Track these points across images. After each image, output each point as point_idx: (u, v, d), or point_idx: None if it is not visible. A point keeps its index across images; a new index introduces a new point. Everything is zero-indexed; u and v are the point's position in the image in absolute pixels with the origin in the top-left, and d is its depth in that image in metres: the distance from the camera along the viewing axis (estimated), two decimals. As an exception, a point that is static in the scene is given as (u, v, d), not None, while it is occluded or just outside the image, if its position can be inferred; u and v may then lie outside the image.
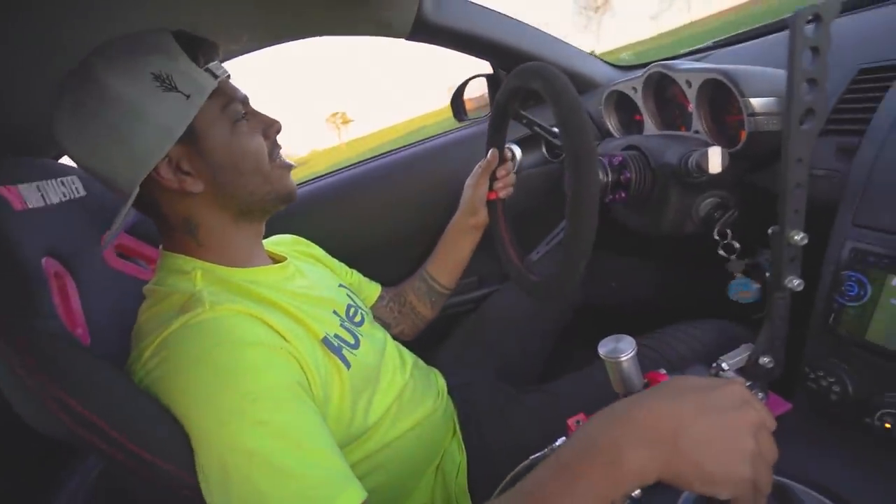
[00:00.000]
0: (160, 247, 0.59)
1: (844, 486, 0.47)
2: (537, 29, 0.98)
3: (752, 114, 0.58)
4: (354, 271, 0.83)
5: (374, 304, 0.82)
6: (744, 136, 0.61)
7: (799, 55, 0.41)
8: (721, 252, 0.67)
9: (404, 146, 1.15)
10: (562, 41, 1.02)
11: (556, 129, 1.00)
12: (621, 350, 0.47)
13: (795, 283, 0.50)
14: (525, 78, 0.65)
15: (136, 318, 0.52)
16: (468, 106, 1.20)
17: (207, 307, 0.47)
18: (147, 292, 0.54)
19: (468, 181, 0.81)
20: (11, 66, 0.52)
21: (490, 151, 0.80)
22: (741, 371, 0.55)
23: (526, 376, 0.87)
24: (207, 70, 0.52)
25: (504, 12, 0.95)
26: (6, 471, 0.63)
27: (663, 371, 0.52)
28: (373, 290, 0.84)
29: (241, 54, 0.84)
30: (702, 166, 0.59)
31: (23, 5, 0.44)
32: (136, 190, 0.50)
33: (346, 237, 0.99)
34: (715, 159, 0.57)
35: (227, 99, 0.53)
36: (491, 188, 0.80)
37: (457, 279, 0.85)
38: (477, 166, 0.81)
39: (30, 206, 0.54)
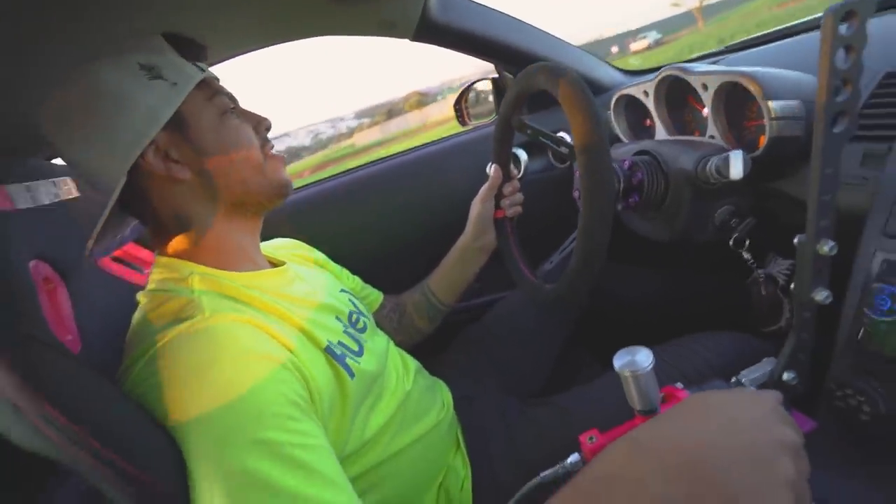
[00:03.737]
0: (155, 252, 0.56)
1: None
2: (545, 31, 0.96)
3: (775, 118, 0.55)
4: (356, 277, 0.81)
5: (375, 311, 0.80)
6: (763, 140, 0.59)
7: (832, 53, 0.39)
8: (747, 257, 0.65)
9: (407, 150, 1.13)
10: (570, 44, 1.00)
11: (561, 135, 0.99)
12: (639, 363, 0.44)
13: (823, 295, 0.47)
14: (534, 78, 0.62)
15: (130, 325, 0.50)
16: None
17: (207, 314, 0.45)
18: (141, 298, 0.52)
19: (475, 199, 0.79)
20: (2, 67, 0.50)
21: (493, 168, 0.77)
22: (762, 387, 0.52)
23: (531, 387, 0.84)
24: (195, 65, 0.52)
25: (511, 14, 0.93)
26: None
27: (680, 385, 0.49)
28: (374, 297, 0.81)
29: (243, 54, 0.82)
30: (722, 172, 0.57)
31: (17, 11, 0.42)
32: (124, 179, 0.48)
33: (347, 242, 0.97)
34: (737, 164, 0.55)
35: (214, 91, 0.54)
36: (498, 206, 0.78)
37: (457, 297, 0.83)
38: (484, 186, 0.78)
39: (18, 207, 0.52)
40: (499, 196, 0.78)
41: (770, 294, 0.72)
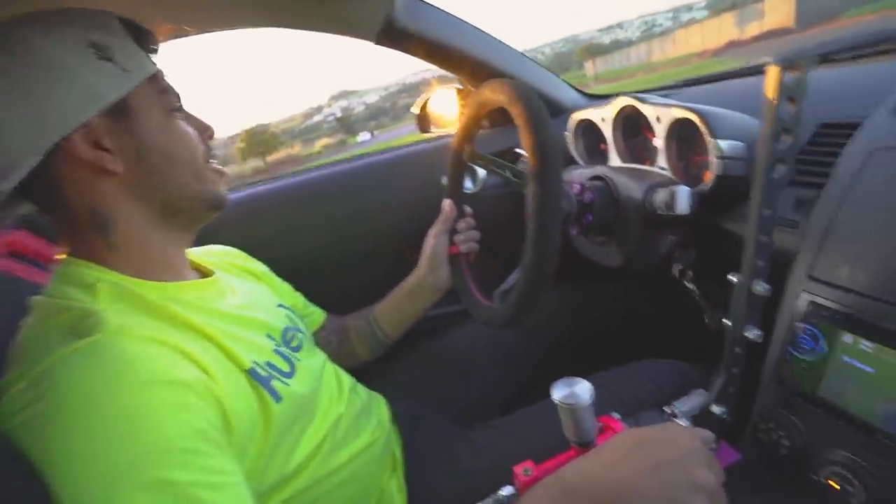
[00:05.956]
0: (62, 250, 0.50)
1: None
2: (511, 47, 0.96)
3: (721, 157, 0.57)
4: (299, 294, 0.77)
5: (315, 331, 0.76)
6: (708, 176, 0.61)
7: (777, 102, 0.40)
8: (691, 287, 0.67)
9: (362, 154, 1.09)
10: (534, 62, 1.00)
11: (517, 155, 0.99)
12: (577, 396, 0.43)
13: (755, 333, 0.49)
14: (491, 94, 0.62)
15: (14, 339, 0.42)
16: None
17: (109, 331, 0.39)
18: (34, 304, 0.45)
19: (428, 233, 0.77)
20: None
21: (447, 203, 0.76)
22: (694, 418, 0.53)
23: (476, 410, 0.82)
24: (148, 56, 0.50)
25: (480, 27, 0.92)
26: None
27: (617, 416, 0.50)
28: (317, 316, 0.77)
29: (198, 34, 0.77)
30: (668, 205, 0.58)
31: None
32: (39, 157, 0.43)
33: (289, 251, 0.91)
34: (682, 200, 0.57)
35: (164, 87, 0.51)
36: (452, 242, 0.76)
37: (403, 331, 0.80)
38: (437, 220, 0.77)
39: None
40: (452, 232, 0.76)
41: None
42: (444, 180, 0.79)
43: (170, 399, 0.37)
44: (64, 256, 0.48)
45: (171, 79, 0.52)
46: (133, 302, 0.45)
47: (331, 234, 0.98)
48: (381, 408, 0.68)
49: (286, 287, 0.75)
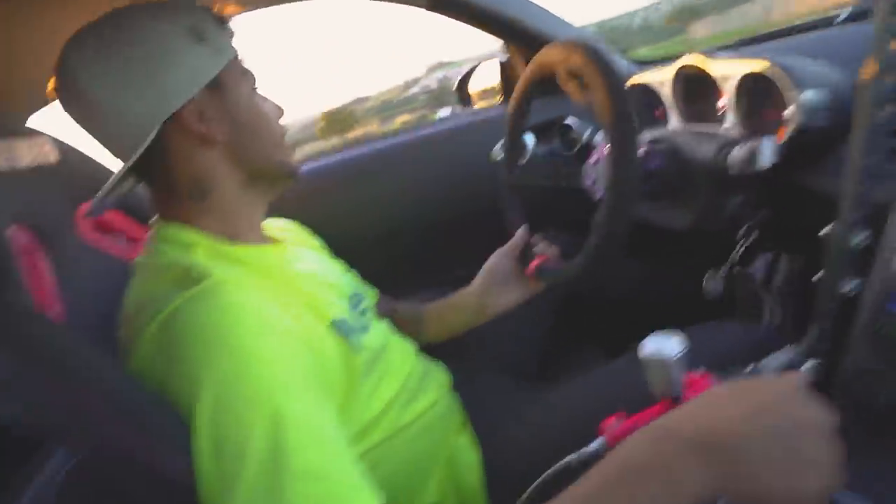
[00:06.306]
0: (155, 216, 0.54)
1: (891, 497, 0.46)
2: (560, 18, 0.94)
3: (803, 108, 0.55)
4: (353, 273, 0.77)
5: None
6: (783, 132, 0.59)
7: (886, 35, 0.38)
8: (741, 251, 0.65)
9: (404, 132, 1.09)
10: (583, 32, 0.98)
11: (566, 126, 0.97)
12: (672, 348, 0.43)
13: (851, 285, 0.47)
14: (561, 55, 0.61)
15: (126, 297, 0.48)
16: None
17: (216, 278, 0.43)
18: (139, 266, 0.50)
19: (497, 251, 0.76)
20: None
21: (519, 231, 0.74)
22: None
23: (523, 370, 0.82)
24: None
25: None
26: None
27: (702, 369, 0.49)
28: (369, 295, 0.78)
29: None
30: (748, 160, 0.57)
31: None
32: (158, 127, 0.48)
33: (337, 230, 0.92)
34: (767, 152, 0.55)
35: (244, 69, 0.56)
36: (531, 258, 0.73)
37: (444, 339, 0.79)
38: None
39: None
40: (528, 250, 0.73)
41: (750, 291, 0.74)
42: (493, 155, 0.79)
43: (280, 341, 0.41)
44: (158, 221, 0.53)
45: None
46: (227, 259, 0.49)
47: (375, 212, 1.00)
48: (439, 373, 0.69)
49: (340, 264, 0.77)
